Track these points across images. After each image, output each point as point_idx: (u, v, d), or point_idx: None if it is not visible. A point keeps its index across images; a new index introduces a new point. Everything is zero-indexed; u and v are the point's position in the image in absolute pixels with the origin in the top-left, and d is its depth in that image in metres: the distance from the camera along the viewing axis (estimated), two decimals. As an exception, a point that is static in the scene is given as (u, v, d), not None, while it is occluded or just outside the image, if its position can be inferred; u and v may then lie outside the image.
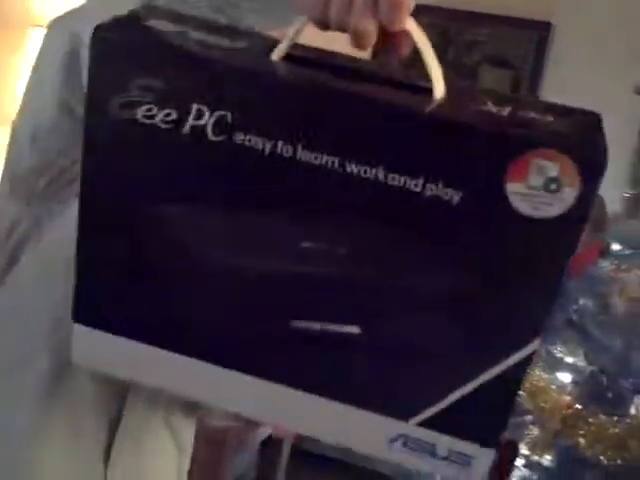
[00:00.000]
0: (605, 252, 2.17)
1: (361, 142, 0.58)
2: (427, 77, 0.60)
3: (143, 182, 0.63)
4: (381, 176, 0.57)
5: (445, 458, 0.66)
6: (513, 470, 2.04)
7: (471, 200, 0.57)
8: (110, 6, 0.75)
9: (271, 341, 0.66)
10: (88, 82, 0.60)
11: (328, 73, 0.59)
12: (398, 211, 0.59)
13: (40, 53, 0.88)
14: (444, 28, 3.07)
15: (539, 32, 3.07)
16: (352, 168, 0.57)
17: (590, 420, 1.95)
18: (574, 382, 2.07)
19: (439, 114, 0.58)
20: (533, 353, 0.61)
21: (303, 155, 0.58)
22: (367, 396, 0.67)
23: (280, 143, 0.58)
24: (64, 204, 0.87)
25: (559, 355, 2.08)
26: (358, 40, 0.59)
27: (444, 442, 0.66)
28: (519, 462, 2.06)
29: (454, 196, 0.57)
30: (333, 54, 0.64)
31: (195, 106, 0.58)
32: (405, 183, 0.57)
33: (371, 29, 0.59)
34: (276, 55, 0.61)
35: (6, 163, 0.89)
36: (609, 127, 0.62)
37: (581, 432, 1.94)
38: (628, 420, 1.95)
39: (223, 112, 0.58)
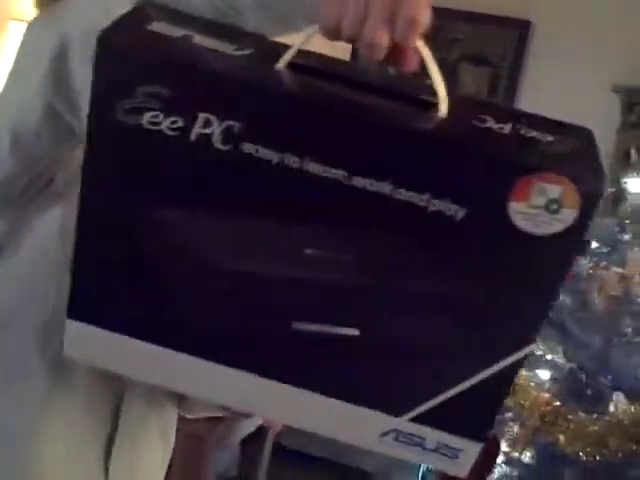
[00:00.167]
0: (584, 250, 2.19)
1: (368, 157, 0.59)
2: (428, 88, 0.61)
3: (146, 185, 0.63)
4: (387, 190, 0.59)
5: (434, 450, 0.69)
6: (495, 466, 2.05)
7: (474, 216, 0.59)
8: (99, 4, 0.73)
9: (271, 340, 0.67)
10: (92, 86, 0.60)
11: (335, 85, 0.60)
12: (402, 223, 0.60)
13: (24, 51, 0.85)
14: (424, 26, 3.06)
15: (519, 30, 3.08)
16: (359, 181, 0.59)
17: (569, 417, 1.96)
18: (553, 379, 2.09)
19: (445, 134, 0.60)
20: (527, 355, 0.64)
21: (311, 167, 0.59)
22: (363, 393, 0.68)
23: (288, 155, 0.59)
24: (42, 211, 0.85)
25: (538, 352, 2.09)
26: (371, 52, 0.60)
27: (434, 436, 0.68)
28: (499, 459, 2.07)
29: (458, 212, 0.59)
30: (337, 62, 0.65)
31: (202, 115, 0.59)
32: (411, 198, 0.59)
33: (385, 42, 0.59)
34: (282, 63, 0.61)
35: None
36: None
37: (560, 429, 1.95)
38: (607, 417, 1.96)
39: (231, 122, 0.58)
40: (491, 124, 0.60)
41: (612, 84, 2.80)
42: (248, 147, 0.59)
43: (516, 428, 2.05)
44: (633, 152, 2.50)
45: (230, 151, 0.59)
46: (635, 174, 2.28)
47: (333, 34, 0.61)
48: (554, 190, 0.57)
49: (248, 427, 1.88)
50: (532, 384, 2.04)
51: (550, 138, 0.60)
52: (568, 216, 0.58)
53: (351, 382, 0.68)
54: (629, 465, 1.95)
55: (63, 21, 0.79)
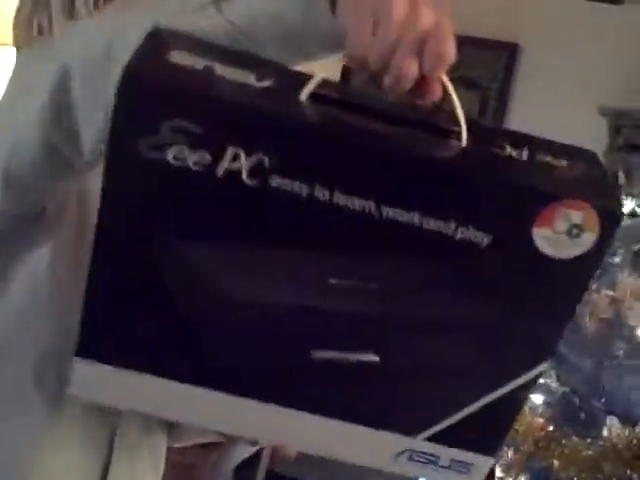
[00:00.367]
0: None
1: (396, 187, 0.60)
2: (443, 114, 0.63)
3: (168, 220, 0.62)
4: (416, 219, 0.60)
5: (447, 467, 0.71)
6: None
7: (500, 242, 0.61)
8: (102, 34, 0.71)
9: (290, 369, 0.68)
10: (112, 121, 0.59)
11: (359, 115, 0.61)
12: (430, 251, 0.62)
13: (21, 81, 0.80)
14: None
15: (507, 53, 3.10)
16: (388, 212, 0.59)
17: (563, 442, 1.96)
18: (546, 403, 2.09)
19: (470, 163, 0.61)
20: (540, 374, 0.66)
21: (340, 199, 0.59)
22: (380, 416, 0.70)
23: (317, 188, 0.59)
24: (32, 245, 0.84)
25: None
26: (398, 82, 0.60)
27: (448, 453, 0.70)
28: (494, 485, 2.06)
29: (484, 239, 0.60)
30: (354, 91, 0.65)
31: (231, 149, 0.58)
32: (438, 227, 0.60)
33: (414, 74, 0.59)
34: (305, 94, 0.60)
35: None
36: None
37: (554, 454, 1.96)
38: (601, 442, 1.96)
39: (260, 156, 0.58)
40: (510, 151, 0.62)
41: (599, 107, 2.82)
42: (277, 181, 0.59)
43: (510, 453, 2.05)
44: (621, 174, 2.52)
45: (258, 185, 0.59)
46: (624, 196, 2.30)
47: (359, 63, 0.61)
48: (577, 216, 0.59)
49: (242, 453, 1.87)
50: (525, 409, 2.04)
51: (564, 163, 0.62)
52: (588, 240, 0.60)
53: (368, 406, 0.69)
54: (624, 490, 1.95)
55: (63, 53, 0.76)
